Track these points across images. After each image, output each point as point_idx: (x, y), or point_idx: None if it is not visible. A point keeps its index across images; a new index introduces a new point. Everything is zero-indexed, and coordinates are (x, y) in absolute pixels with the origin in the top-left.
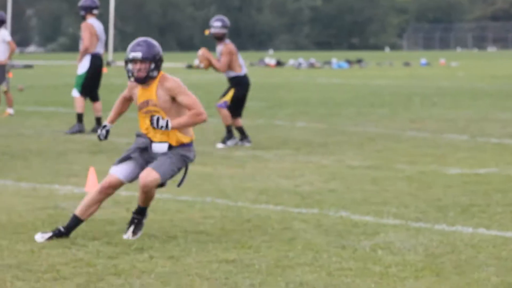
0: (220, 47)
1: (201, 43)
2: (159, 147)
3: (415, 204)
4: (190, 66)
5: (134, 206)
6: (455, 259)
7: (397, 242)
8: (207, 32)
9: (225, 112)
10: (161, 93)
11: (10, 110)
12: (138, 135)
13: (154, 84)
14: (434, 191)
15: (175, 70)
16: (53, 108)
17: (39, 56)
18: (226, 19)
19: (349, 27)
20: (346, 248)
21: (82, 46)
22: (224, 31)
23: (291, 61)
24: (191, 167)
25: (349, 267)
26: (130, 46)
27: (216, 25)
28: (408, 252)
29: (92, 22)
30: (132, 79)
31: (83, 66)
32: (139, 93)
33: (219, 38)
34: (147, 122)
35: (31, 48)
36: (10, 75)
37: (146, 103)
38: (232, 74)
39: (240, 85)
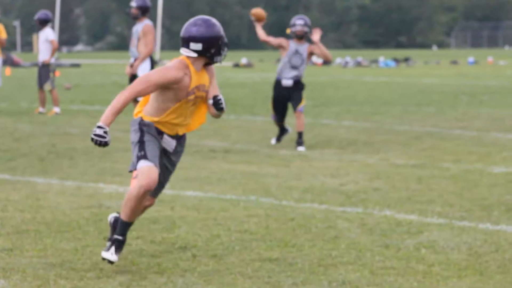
0: (304, 46)
1: (248, 41)
2: (168, 143)
3: (459, 203)
4: (236, 65)
5: (179, 205)
6: (499, 258)
7: (441, 241)
8: (288, 31)
9: (304, 118)
10: (208, 77)
11: (56, 109)
12: (157, 133)
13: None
14: (479, 190)
15: (222, 68)
16: (100, 107)
17: (87, 55)
18: (307, 18)
19: (397, 25)
20: (389, 247)
21: (145, 49)
22: (306, 29)
23: (338, 60)
24: (237, 166)
25: (392, 266)
26: (216, 26)
27: (299, 23)
28: (452, 251)
29: (151, 23)
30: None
31: (145, 68)
32: (194, 78)
33: (301, 37)
34: (187, 110)
35: (79, 47)
36: (57, 74)
37: (198, 88)
38: (301, 76)
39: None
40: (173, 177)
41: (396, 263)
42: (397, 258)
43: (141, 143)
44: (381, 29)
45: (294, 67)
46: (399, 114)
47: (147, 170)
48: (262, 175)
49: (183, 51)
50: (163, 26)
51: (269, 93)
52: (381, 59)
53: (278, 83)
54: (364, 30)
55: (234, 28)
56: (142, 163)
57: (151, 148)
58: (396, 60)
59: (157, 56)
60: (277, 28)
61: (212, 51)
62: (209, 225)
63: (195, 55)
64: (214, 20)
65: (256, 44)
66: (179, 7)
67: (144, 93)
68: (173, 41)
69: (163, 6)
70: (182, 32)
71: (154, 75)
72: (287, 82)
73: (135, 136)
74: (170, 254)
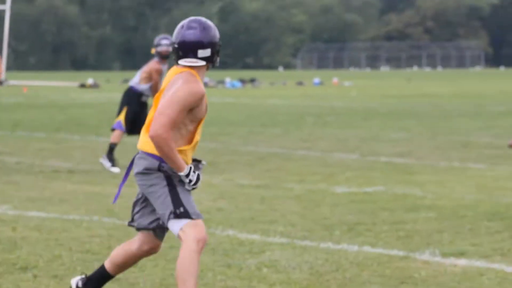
0: (166, 67)
1: (96, 62)
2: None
3: (302, 223)
4: (83, 85)
5: (21, 225)
6: (340, 277)
7: (283, 260)
8: (153, 51)
9: None
10: None
11: None
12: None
13: None
14: (322, 209)
15: (68, 89)
16: None
17: None
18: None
19: (244, 46)
20: (231, 266)
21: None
22: (171, 49)
23: None
24: (80, 186)
25: (234, 286)
26: (212, 25)
27: (164, 43)
28: (293, 271)
29: None
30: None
31: None
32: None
33: (166, 56)
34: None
35: None
36: None
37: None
38: None
39: None
40: (15, 197)
41: (238, 282)
42: (239, 277)
43: (173, 192)
44: (228, 50)
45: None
46: (245, 135)
47: (195, 224)
48: (106, 195)
49: (188, 62)
50: (9, 46)
51: (114, 113)
52: (228, 79)
53: (137, 96)
54: None
55: (81, 48)
56: (186, 222)
57: (186, 196)
58: (242, 81)
59: (2, 76)
60: (124, 48)
61: (216, 54)
62: (51, 245)
63: (203, 63)
64: (205, 19)
65: (103, 65)
66: (25, 27)
67: (179, 121)
68: (19, 61)
69: (10, 25)
70: (184, 40)
71: (185, 95)
72: (146, 98)
73: (158, 182)
74: (11, 275)
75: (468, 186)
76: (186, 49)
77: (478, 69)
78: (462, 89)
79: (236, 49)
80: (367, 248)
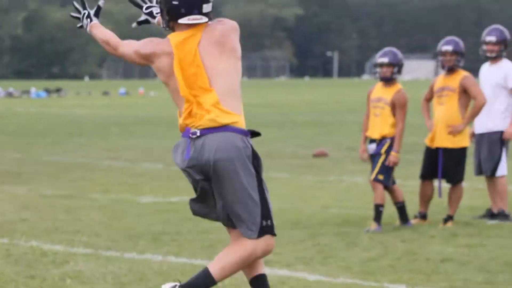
0: None
1: None
2: None
3: (106, 233)
4: None
5: None
6: (143, 287)
7: (87, 271)
8: None
9: None
10: None
11: None
12: None
13: None
14: (127, 220)
15: None
16: None
17: None
18: None
19: (50, 56)
20: (35, 277)
21: None
22: None
23: None
24: None
25: None
26: None
27: None
28: (97, 281)
29: None
30: None
31: None
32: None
33: None
34: None
35: None
36: None
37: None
38: None
39: None
40: None
41: None
42: None
43: (263, 199)
44: (33, 60)
45: None
46: (50, 145)
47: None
48: None
49: (192, 19)
50: None
51: None
52: (33, 90)
53: None
54: (16, 60)
55: None
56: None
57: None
58: (48, 91)
59: None
60: None
61: None
62: None
63: (206, 19)
64: None
65: None
66: None
67: None
68: None
69: None
70: None
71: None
72: None
73: (248, 179)
74: None
75: (272, 195)
76: (189, 5)
77: (283, 79)
78: (267, 99)
79: (42, 59)
80: (171, 258)
